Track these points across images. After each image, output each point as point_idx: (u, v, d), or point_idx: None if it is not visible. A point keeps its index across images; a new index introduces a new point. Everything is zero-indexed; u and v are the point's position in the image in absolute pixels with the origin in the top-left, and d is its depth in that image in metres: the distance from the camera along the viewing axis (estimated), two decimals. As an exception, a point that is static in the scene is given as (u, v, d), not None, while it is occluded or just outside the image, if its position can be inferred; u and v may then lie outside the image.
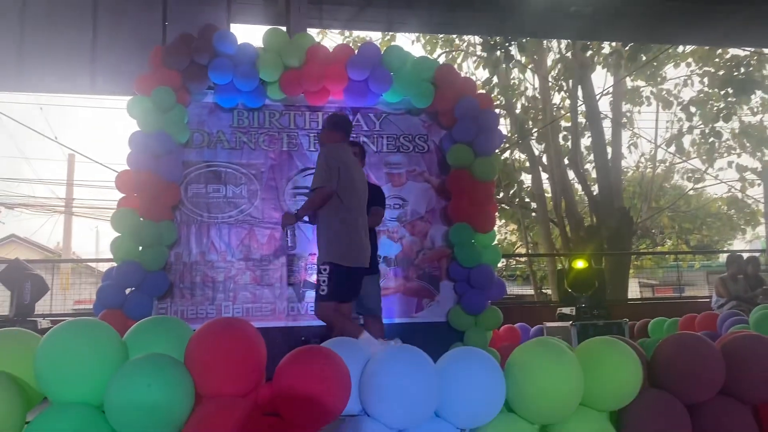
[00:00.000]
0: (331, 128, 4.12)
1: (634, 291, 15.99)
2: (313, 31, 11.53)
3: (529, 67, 12.07)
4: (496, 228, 5.54)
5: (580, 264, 5.46)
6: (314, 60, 5.05)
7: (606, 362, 1.85)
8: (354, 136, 5.51)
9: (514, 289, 15.30)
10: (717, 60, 11.80)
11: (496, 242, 5.65)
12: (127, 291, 4.65)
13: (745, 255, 7.34)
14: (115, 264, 4.73)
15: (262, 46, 5.11)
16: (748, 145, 13.34)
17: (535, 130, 12.05)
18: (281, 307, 5.21)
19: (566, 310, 5.49)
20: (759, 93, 11.54)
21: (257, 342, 1.63)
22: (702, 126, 12.72)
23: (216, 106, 5.28)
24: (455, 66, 12.18)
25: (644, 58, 10.12)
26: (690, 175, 14.64)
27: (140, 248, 4.68)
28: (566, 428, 1.79)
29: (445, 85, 5.30)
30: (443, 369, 1.75)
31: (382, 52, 5.23)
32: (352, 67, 5.07)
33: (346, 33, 12.17)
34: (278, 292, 5.23)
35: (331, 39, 12.80)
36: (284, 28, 6.04)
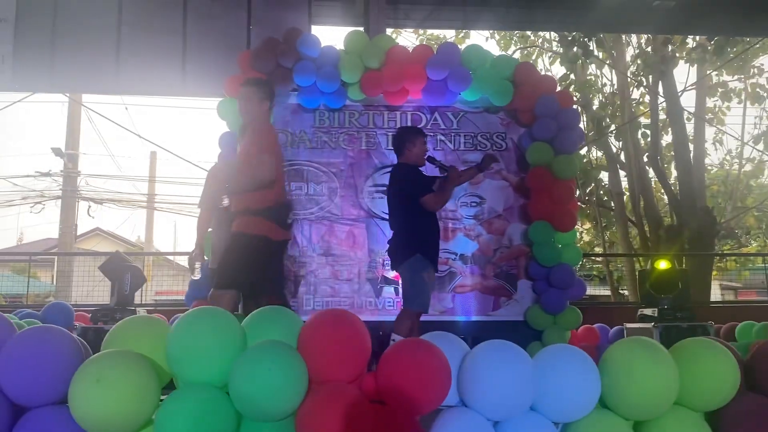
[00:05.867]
0: None
1: (715, 294, 15.30)
2: (388, 31, 11.63)
3: (607, 62, 11.76)
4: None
5: (662, 264, 5.33)
6: (394, 61, 5.15)
7: (702, 362, 1.86)
8: (431, 134, 5.61)
9: (589, 290, 15.04)
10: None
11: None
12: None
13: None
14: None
15: (343, 48, 5.26)
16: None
17: (613, 127, 11.74)
18: (359, 302, 5.35)
19: (648, 312, 5.36)
20: None
21: (364, 332, 1.74)
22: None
23: (299, 107, 5.47)
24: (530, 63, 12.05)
25: (731, 51, 9.69)
26: (781, 173, 13.89)
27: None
28: (661, 426, 1.81)
29: (524, 84, 5.29)
30: (539, 364, 1.81)
31: (461, 52, 5.28)
32: (432, 67, 5.14)
33: (420, 31, 12.22)
34: (356, 287, 5.38)
35: (405, 38, 12.90)
36: (362, 29, 6.16)
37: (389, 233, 5.48)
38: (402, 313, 4.05)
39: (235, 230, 3.42)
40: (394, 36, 12.14)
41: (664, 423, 1.80)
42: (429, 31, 12.41)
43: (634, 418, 1.86)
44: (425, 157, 4.29)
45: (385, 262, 5.44)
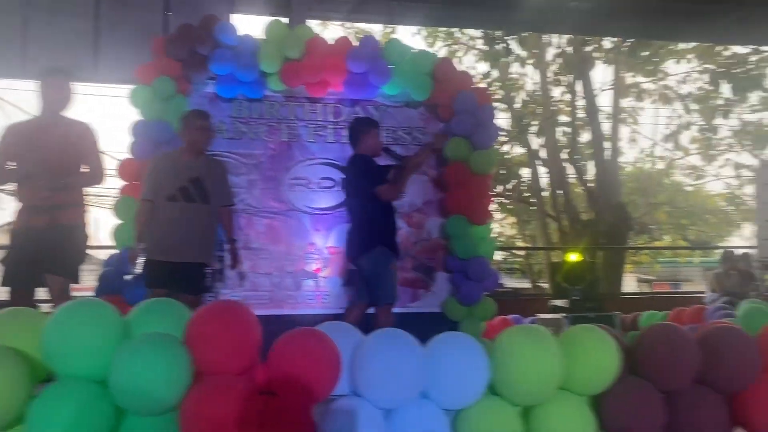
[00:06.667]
0: None
1: (631, 286, 16.07)
2: (314, 23, 11.55)
3: (529, 61, 12.10)
4: (495, 222, 5.63)
5: (573, 257, 5.55)
6: (314, 52, 5.11)
7: (586, 348, 1.95)
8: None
9: (512, 283, 15.48)
10: (718, 57, 11.81)
11: (494, 235, 5.73)
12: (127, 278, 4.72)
13: (739, 251, 7.44)
14: (116, 251, 4.80)
15: (263, 38, 5.18)
16: (747, 143, 13.38)
17: (533, 124, 12.09)
18: (279, 296, 5.29)
19: (559, 303, 5.57)
20: (758, 93, 11.59)
21: (252, 322, 1.72)
22: (701, 123, 12.76)
23: (216, 96, 5.33)
24: (456, 60, 12.24)
25: (644, 54, 10.17)
26: (690, 171, 14.69)
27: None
28: (547, 410, 1.89)
29: (443, 79, 5.36)
30: (430, 352, 1.85)
31: (382, 45, 5.30)
32: (352, 60, 5.13)
33: (347, 25, 12.17)
34: (277, 280, 5.31)
35: (333, 31, 12.81)
36: (286, 20, 6.08)
37: (311, 226, 5.49)
38: (380, 313, 4.05)
39: (72, 223, 3.53)
40: (320, 29, 12.05)
41: (549, 408, 1.88)
42: (357, 25, 12.39)
43: (521, 404, 1.93)
44: (381, 148, 4.38)
45: (306, 255, 5.41)
